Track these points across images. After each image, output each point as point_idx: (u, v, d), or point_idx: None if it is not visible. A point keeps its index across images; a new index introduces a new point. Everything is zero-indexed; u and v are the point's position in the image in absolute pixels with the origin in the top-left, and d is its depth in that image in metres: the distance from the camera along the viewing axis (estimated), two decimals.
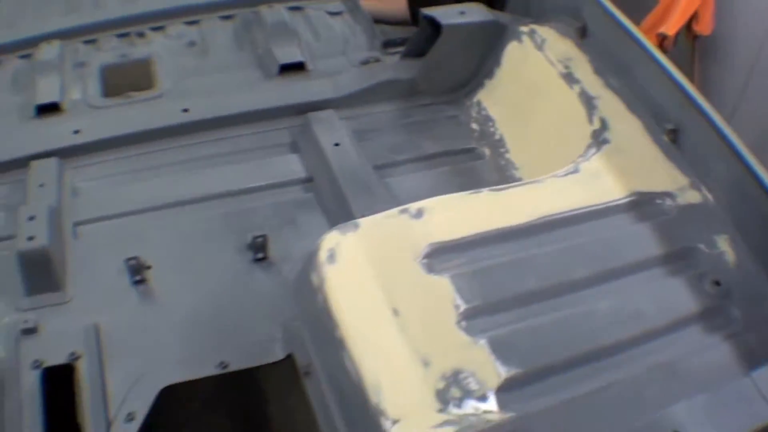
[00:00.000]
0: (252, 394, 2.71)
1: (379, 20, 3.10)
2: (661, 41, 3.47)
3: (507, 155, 2.44)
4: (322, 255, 1.77)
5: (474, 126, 2.58)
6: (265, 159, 2.53)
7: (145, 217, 2.36)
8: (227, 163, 2.52)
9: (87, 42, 3.11)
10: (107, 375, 1.95)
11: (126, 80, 2.90)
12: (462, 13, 2.60)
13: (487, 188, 2.00)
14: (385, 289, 1.69)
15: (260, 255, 2.18)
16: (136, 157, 2.57)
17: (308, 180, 2.43)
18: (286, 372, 1.95)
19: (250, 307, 2.10)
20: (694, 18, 3.49)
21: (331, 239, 1.79)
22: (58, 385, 1.95)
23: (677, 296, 1.78)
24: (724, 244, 1.87)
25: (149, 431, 1.84)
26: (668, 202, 1.95)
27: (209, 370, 1.95)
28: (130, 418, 1.85)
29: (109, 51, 3.07)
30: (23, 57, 3.06)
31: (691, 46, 3.68)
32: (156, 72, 2.91)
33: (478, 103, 2.63)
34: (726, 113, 3.69)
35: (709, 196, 1.97)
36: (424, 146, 2.52)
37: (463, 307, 1.65)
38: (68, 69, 2.93)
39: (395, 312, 1.65)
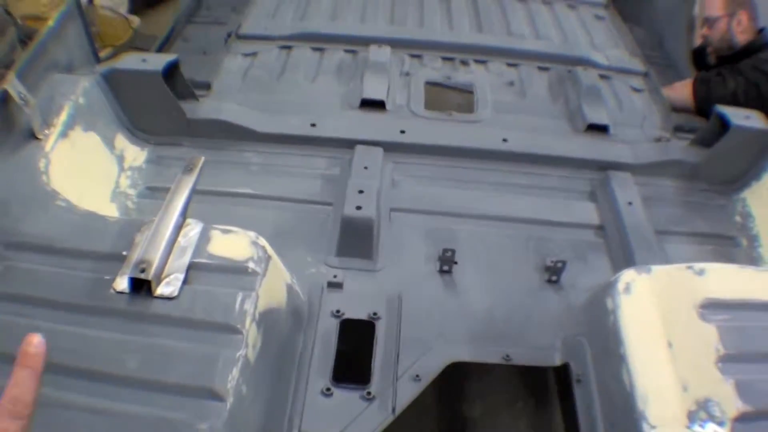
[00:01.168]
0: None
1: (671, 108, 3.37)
2: None
3: (759, 249, 2.67)
4: (621, 286, 2.02)
5: (737, 218, 2.82)
6: (567, 200, 2.76)
7: (454, 219, 2.58)
8: (533, 195, 2.76)
9: (413, 56, 3.42)
10: (402, 339, 2.12)
11: (446, 100, 3.17)
12: (747, 117, 2.87)
13: (763, 267, 2.24)
14: (665, 324, 1.94)
15: (554, 278, 2.38)
16: (452, 168, 2.81)
17: (600, 227, 2.65)
18: None
19: (536, 319, 2.27)
20: None
21: (629, 275, 2.05)
22: (356, 339, 2.11)
23: None
24: None
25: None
26: None
27: (495, 358, 2.12)
28: (417, 378, 2.02)
29: (433, 70, 3.35)
30: (348, 51, 3.38)
31: None
32: (476, 99, 3.18)
33: (743, 200, 2.87)
34: None
35: None
36: (696, 224, 2.75)
37: (722, 351, 1.88)
38: (394, 75, 3.23)
39: (669, 344, 1.90)
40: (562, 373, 2.16)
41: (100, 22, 4.20)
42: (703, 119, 3.22)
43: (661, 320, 1.96)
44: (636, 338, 1.93)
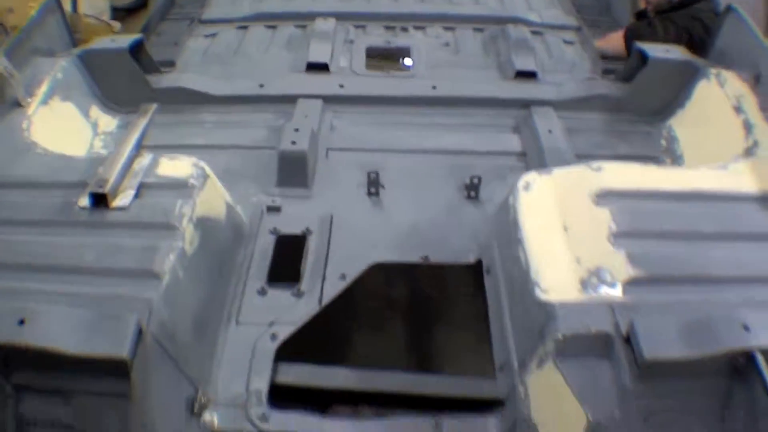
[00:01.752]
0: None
1: (605, 57, 3.55)
2: None
3: (684, 167, 2.81)
4: (521, 184, 2.20)
5: (663, 142, 2.99)
6: (492, 134, 2.97)
7: (385, 155, 2.82)
8: (459, 131, 2.98)
9: (357, 26, 3.68)
10: (330, 249, 2.38)
11: (386, 62, 3.42)
12: (667, 51, 3.05)
13: (654, 165, 2.41)
14: (560, 212, 2.10)
15: (472, 194, 2.58)
16: (386, 114, 3.07)
17: (522, 154, 2.85)
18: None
19: (455, 228, 2.48)
20: None
21: (530, 176, 2.22)
22: (289, 249, 2.38)
23: None
24: None
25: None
26: None
27: (414, 258, 2.35)
28: (342, 277, 2.29)
29: (375, 36, 3.61)
30: (298, 27, 3.64)
31: None
32: (413, 59, 3.42)
33: (669, 127, 3.04)
34: None
35: None
36: (619, 148, 2.92)
37: (614, 229, 2.04)
38: (339, 42, 3.50)
39: (565, 228, 2.07)
40: (476, 268, 2.35)
41: (84, 30, 4.46)
42: None
43: (558, 209, 2.14)
44: (532, 224, 2.12)
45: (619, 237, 2.04)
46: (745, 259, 2.04)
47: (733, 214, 2.18)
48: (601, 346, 1.80)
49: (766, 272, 2.01)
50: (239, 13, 3.95)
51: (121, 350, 1.69)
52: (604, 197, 2.15)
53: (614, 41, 3.68)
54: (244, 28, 3.82)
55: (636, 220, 2.10)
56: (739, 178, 2.31)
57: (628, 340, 1.74)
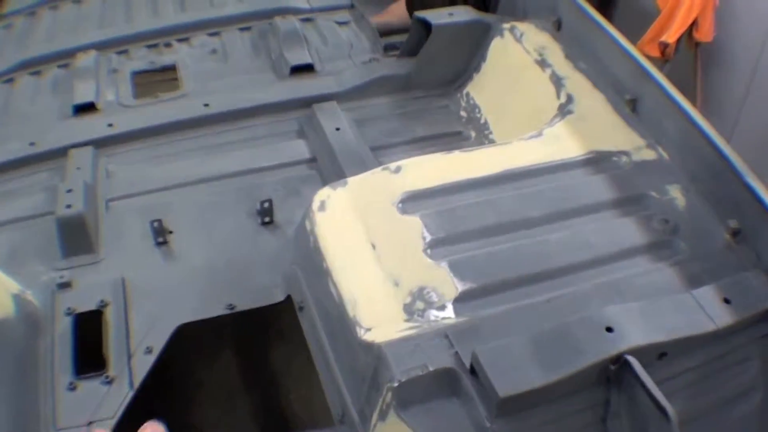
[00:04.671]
0: (272, 382, 2.91)
1: (390, 32, 3.35)
2: (663, 49, 3.63)
3: (491, 136, 2.65)
4: (315, 205, 2.00)
5: (462, 114, 2.82)
6: (275, 144, 2.76)
7: (168, 193, 2.60)
8: (242, 148, 2.76)
9: (120, 53, 3.43)
10: (131, 318, 2.18)
11: (154, 84, 3.20)
12: (450, 14, 2.83)
13: (459, 150, 2.22)
14: (365, 229, 1.90)
15: (267, 219, 2.41)
16: (162, 145, 2.83)
17: (312, 160, 2.66)
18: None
19: (256, 261, 2.31)
20: (694, 26, 3.63)
21: (323, 193, 2.03)
22: (89, 330, 2.17)
23: (626, 231, 1.92)
24: (675, 192, 2.03)
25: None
26: (624, 158, 2.12)
27: (219, 310, 2.18)
28: (148, 350, 2.08)
29: (139, 59, 3.37)
30: (62, 66, 3.39)
31: (693, 53, 3.82)
32: (181, 76, 3.20)
33: (467, 94, 2.86)
34: (730, 117, 3.82)
35: (665, 155, 2.14)
36: (417, 131, 2.75)
37: (429, 238, 1.85)
38: (103, 75, 3.23)
39: (373, 246, 1.86)
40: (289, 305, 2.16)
41: None
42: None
43: (362, 226, 1.94)
44: (336, 250, 1.91)
45: (436, 246, 1.88)
46: (585, 238, 1.91)
47: (561, 188, 2.06)
48: (447, 384, 1.60)
49: (612, 246, 1.89)
50: (1, 66, 3.57)
51: None
52: (410, 202, 1.99)
53: (396, 12, 3.52)
54: (10, 81, 3.47)
55: (450, 222, 1.94)
56: (559, 145, 2.19)
57: (475, 372, 1.55)
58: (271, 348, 3.00)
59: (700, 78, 3.89)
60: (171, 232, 2.44)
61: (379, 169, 2.08)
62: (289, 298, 2.15)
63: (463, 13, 2.87)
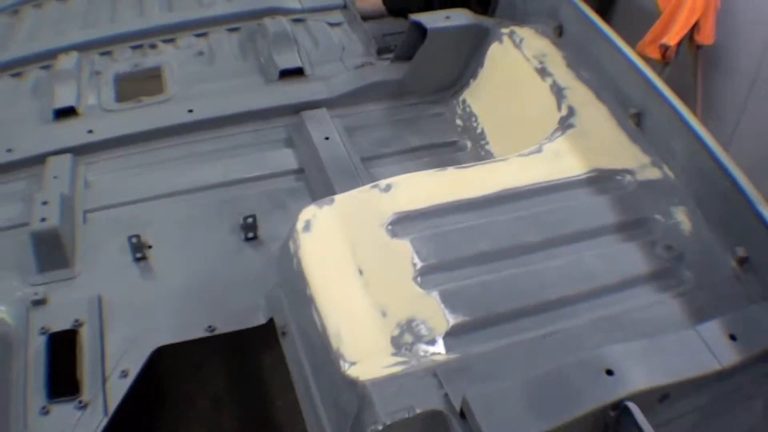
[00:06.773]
0: (258, 392, 2.87)
1: (364, 18, 3.30)
2: (664, 52, 3.55)
3: (487, 146, 2.56)
4: (300, 225, 1.91)
5: (458, 122, 2.72)
6: (262, 153, 2.67)
7: (149, 204, 2.51)
8: (226, 157, 2.67)
9: (103, 54, 3.33)
10: (106, 339, 2.09)
11: (138, 87, 3.08)
12: (447, 18, 2.73)
13: (454, 166, 2.11)
14: (352, 252, 1.81)
15: (250, 234, 2.32)
16: (144, 153, 2.73)
17: (300, 171, 2.57)
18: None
19: (238, 280, 2.23)
20: (695, 28, 3.55)
21: (308, 212, 1.94)
22: (63, 350, 2.08)
23: (628, 258, 1.84)
24: (680, 215, 1.95)
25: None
26: (628, 177, 2.04)
27: (198, 333, 2.09)
28: (124, 374, 2.00)
29: (123, 61, 3.27)
30: (43, 68, 3.28)
31: (693, 56, 3.74)
32: (166, 79, 3.09)
33: (463, 101, 2.77)
34: (730, 121, 3.74)
35: (670, 173, 2.05)
36: (410, 140, 2.66)
37: (419, 264, 1.76)
38: (85, 78, 3.14)
39: (360, 271, 1.77)
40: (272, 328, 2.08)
41: None
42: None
43: (349, 249, 1.85)
44: (321, 275, 1.84)
45: (426, 273, 1.80)
46: (585, 266, 1.83)
47: (561, 210, 1.97)
48: (435, 428, 1.52)
49: (613, 276, 1.82)
50: None
51: None
52: (400, 224, 1.91)
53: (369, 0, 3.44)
54: None
55: (442, 247, 1.85)
56: (559, 162, 2.10)
57: (465, 416, 1.46)
58: (257, 356, 2.95)
59: (700, 81, 3.81)
60: (150, 247, 2.35)
61: (367, 186, 1.99)
62: (271, 320, 2.07)
63: (460, 17, 2.77)
